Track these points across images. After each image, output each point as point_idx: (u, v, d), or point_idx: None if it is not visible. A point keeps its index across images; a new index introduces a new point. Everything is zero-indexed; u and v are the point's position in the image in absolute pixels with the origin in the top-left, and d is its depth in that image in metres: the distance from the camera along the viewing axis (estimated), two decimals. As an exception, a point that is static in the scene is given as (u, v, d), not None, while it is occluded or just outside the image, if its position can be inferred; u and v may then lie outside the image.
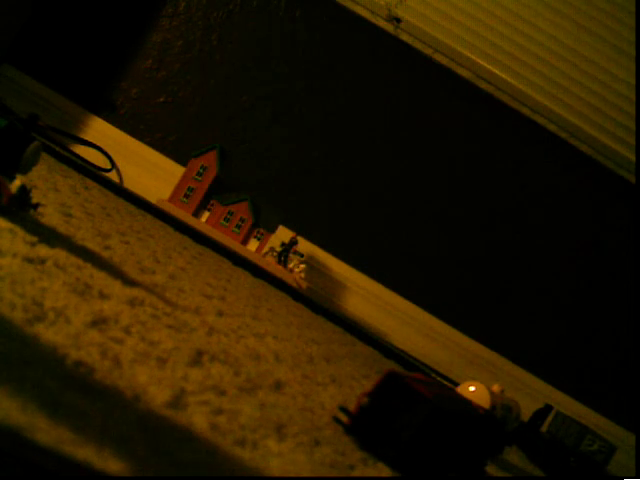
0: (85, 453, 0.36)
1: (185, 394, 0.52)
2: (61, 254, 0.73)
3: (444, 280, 2.19)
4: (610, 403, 2.19)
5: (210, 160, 1.95)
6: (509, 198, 2.21)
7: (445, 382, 1.94)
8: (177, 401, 0.50)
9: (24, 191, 0.82)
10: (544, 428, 1.52)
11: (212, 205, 1.96)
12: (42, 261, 0.67)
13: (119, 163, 2.12)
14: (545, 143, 2.21)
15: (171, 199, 1.93)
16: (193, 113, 2.18)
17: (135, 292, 0.75)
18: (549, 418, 1.52)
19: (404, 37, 2.16)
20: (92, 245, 0.90)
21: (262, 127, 2.18)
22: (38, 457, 0.34)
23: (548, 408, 1.50)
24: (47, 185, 1.22)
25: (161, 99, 2.17)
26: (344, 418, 0.71)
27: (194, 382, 0.57)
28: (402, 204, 2.18)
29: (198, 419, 0.49)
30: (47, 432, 0.36)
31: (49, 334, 0.49)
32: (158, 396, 0.48)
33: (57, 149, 1.90)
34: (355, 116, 2.19)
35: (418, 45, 2.16)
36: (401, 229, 2.18)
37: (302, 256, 1.98)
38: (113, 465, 0.36)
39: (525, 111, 2.18)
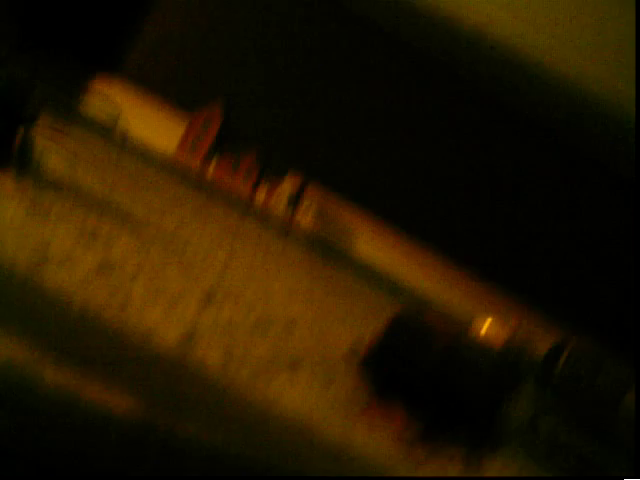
0: (92, 392, 0.35)
1: (197, 334, 0.52)
2: (67, 201, 0.72)
3: (458, 220, 2.17)
4: (623, 340, 2.17)
5: (216, 109, 1.92)
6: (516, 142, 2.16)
7: (458, 321, 1.94)
8: (188, 340, 0.49)
9: (29, 141, 0.81)
10: (560, 363, 1.51)
11: (220, 154, 1.93)
12: (48, 208, 0.66)
13: (127, 114, 2.09)
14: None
15: (179, 149, 1.91)
16: (200, 62, 2.14)
17: (143, 237, 0.74)
18: (564, 355, 1.51)
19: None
20: (98, 193, 0.89)
21: (270, 74, 2.14)
22: (44, 398, 0.34)
23: (563, 344, 1.49)
24: (53, 135, 1.21)
25: (168, 49, 2.14)
26: (358, 356, 0.70)
27: (206, 321, 0.56)
28: (412, 146, 2.15)
29: (210, 358, 0.49)
30: (54, 372, 0.35)
31: (56, 279, 0.48)
32: (169, 336, 0.47)
33: (63, 99, 1.88)
34: (361, 56, 2.14)
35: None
36: (413, 171, 2.15)
37: (310, 201, 1.96)
38: (122, 404, 0.36)
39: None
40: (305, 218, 2.01)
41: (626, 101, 2.20)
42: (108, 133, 1.88)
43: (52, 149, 1.09)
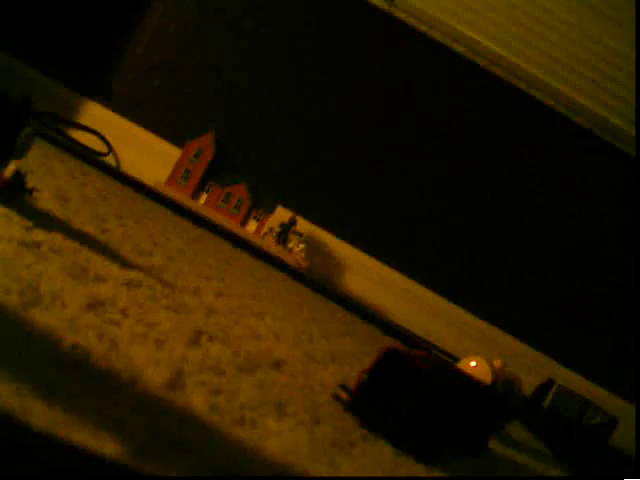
0: (81, 436, 0.36)
1: (183, 375, 0.52)
2: (57, 238, 0.72)
3: (443, 256, 2.19)
4: (611, 376, 2.19)
5: (207, 142, 1.94)
6: (508, 173, 2.20)
7: (446, 357, 1.95)
8: (175, 382, 0.50)
9: (19, 176, 0.81)
10: (546, 402, 1.52)
11: (210, 187, 1.95)
12: (38, 245, 0.67)
13: (116, 147, 2.11)
14: (542, 116, 2.19)
15: (169, 182, 1.93)
16: (189, 95, 2.17)
17: (132, 274, 0.75)
18: (551, 392, 1.52)
19: (399, 14, 2.14)
20: (89, 229, 0.89)
21: (259, 108, 2.17)
22: (32, 441, 0.34)
23: (550, 382, 1.51)
24: (43, 170, 1.22)
25: (157, 82, 2.16)
26: (344, 396, 0.71)
27: (192, 363, 0.56)
28: (401, 184, 2.17)
29: (197, 400, 0.49)
30: (42, 416, 0.36)
31: (45, 318, 0.49)
32: (156, 377, 0.48)
33: (52, 134, 1.89)
34: (352, 95, 2.18)
35: (413, 22, 2.14)
36: (399, 208, 2.17)
37: (301, 236, 1.97)
38: (109, 448, 0.36)
39: (522, 85, 2.17)
40: (294, 253, 2.03)
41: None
42: (99, 166, 1.90)
43: (43, 181, 1.09)
